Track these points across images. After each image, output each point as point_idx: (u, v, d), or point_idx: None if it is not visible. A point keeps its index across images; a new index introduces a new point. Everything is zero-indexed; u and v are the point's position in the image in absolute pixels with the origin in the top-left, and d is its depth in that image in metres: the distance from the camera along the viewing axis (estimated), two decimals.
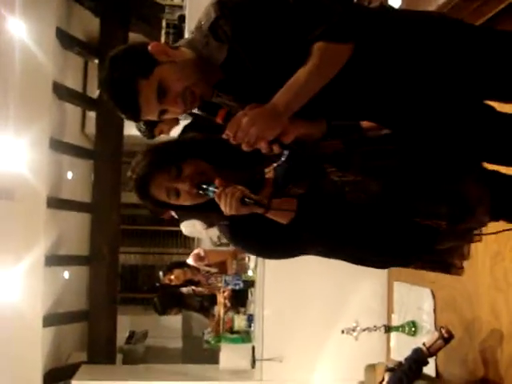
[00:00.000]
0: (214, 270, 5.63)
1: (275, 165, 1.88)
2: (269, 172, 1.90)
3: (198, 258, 5.56)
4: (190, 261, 5.61)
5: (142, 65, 1.69)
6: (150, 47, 1.72)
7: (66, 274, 6.96)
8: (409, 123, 1.87)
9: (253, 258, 5.31)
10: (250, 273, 5.35)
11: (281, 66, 1.70)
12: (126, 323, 8.49)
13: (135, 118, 1.76)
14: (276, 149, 1.68)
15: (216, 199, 1.74)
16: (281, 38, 1.67)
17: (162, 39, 6.90)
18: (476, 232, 1.92)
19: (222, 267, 5.65)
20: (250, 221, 1.77)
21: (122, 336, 7.85)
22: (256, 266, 5.19)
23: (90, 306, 7.03)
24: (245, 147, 1.63)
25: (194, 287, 5.63)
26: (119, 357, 7.44)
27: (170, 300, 5.65)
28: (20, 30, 5.61)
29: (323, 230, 1.77)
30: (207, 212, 1.88)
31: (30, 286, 5.71)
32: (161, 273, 5.76)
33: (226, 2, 1.65)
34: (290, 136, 1.70)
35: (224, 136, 1.64)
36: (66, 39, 6.55)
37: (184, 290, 5.70)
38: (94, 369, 6.28)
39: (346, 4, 1.71)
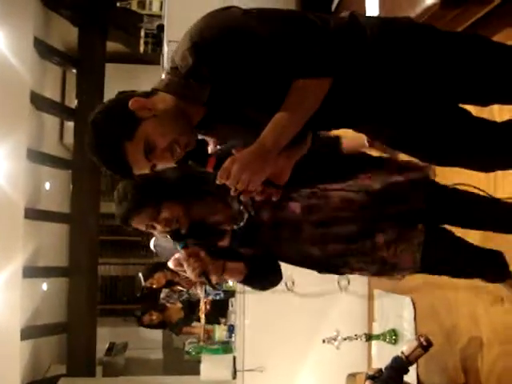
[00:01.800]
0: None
1: (235, 227, 2.13)
2: (228, 232, 2.17)
3: (178, 263, 5.49)
4: (170, 265, 5.54)
5: (125, 127, 1.64)
6: (130, 105, 1.64)
7: (45, 286, 6.89)
8: (388, 128, 1.91)
9: None
10: (230, 283, 5.31)
11: (263, 99, 1.70)
12: (105, 335, 8.40)
13: (129, 176, 1.74)
14: (274, 194, 1.76)
15: (182, 262, 2.12)
16: (259, 72, 1.66)
17: (141, 49, 6.86)
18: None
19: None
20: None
21: (101, 348, 7.78)
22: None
23: (69, 317, 7.00)
24: (243, 196, 1.70)
25: (172, 288, 5.56)
26: (99, 369, 7.36)
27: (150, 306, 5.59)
28: None
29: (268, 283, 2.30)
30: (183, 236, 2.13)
31: (8, 298, 5.67)
32: (140, 275, 5.65)
33: (199, 45, 1.61)
34: (285, 176, 1.80)
35: (217, 182, 1.65)
36: (43, 49, 6.51)
37: (162, 294, 5.64)
38: (74, 382, 6.21)
39: (319, 37, 1.68)
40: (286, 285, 4.65)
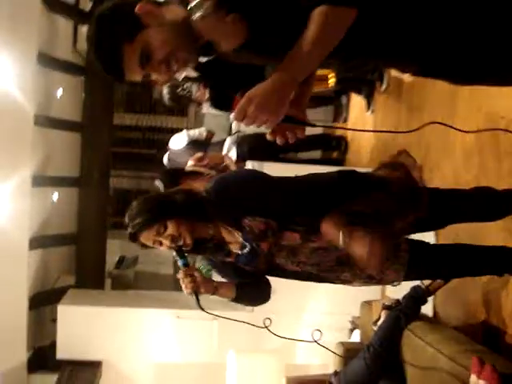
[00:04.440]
0: (213, 172, 5.33)
1: (239, 252, 2.36)
2: (234, 250, 2.39)
3: (198, 160, 5.30)
4: (190, 164, 5.31)
5: (127, 28, 1.67)
6: (136, 9, 1.67)
7: (55, 196, 6.75)
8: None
9: None
10: None
11: (282, 30, 1.66)
12: (116, 248, 8.36)
13: (119, 80, 1.78)
14: (299, 131, 1.78)
15: (179, 276, 2.38)
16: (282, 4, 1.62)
17: None
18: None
19: (223, 171, 5.31)
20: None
21: (111, 261, 7.74)
22: None
23: (79, 229, 6.92)
24: (270, 136, 1.75)
25: None
26: (108, 282, 7.35)
27: None
28: None
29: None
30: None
31: (17, 206, 5.53)
32: (159, 183, 5.36)
33: None
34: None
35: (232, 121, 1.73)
36: None
37: None
38: (82, 293, 6.15)
39: None
40: None
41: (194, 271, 2.37)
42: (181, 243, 2.29)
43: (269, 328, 2.41)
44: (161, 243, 2.29)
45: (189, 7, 1.64)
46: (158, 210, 2.27)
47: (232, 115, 1.66)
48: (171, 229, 2.26)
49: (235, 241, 2.34)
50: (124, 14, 1.68)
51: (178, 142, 5.86)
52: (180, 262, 2.35)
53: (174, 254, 2.34)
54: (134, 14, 1.67)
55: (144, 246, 2.37)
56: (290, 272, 2.43)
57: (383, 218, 2.22)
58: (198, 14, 1.61)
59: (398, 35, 1.70)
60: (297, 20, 1.60)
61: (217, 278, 2.67)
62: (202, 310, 2.38)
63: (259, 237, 2.27)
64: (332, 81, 5.42)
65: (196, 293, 2.37)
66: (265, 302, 2.69)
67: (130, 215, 2.33)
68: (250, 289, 2.57)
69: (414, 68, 1.94)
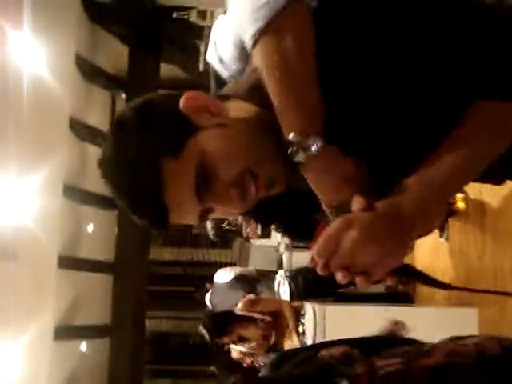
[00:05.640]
0: (268, 318, 4.63)
1: None
2: None
3: (250, 303, 4.60)
4: (239, 308, 4.60)
5: (169, 135, 1.05)
6: (182, 104, 1.07)
7: (83, 348, 6.25)
8: None
9: (310, 318, 4.32)
10: (308, 341, 4.32)
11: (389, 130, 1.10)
12: None
13: (160, 226, 1.11)
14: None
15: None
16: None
17: (200, 66, 6.02)
18: None
19: (277, 316, 4.65)
20: None
21: None
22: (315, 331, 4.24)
23: None
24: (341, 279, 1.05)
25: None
26: None
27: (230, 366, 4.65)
28: (32, 53, 4.96)
29: None
30: None
31: (34, 364, 4.97)
32: (203, 330, 4.67)
33: None
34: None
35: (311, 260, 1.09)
36: (87, 68, 5.94)
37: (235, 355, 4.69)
38: None
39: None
40: None
41: None
42: None
43: None
44: None
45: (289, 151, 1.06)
46: None
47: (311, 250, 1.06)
48: None
49: None
50: (160, 114, 1.07)
51: (223, 277, 5.28)
52: None
53: None
54: (177, 112, 1.06)
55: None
56: None
57: None
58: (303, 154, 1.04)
59: None
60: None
61: None
62: None
63: (344, 363, 1.58)
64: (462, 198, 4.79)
65: None
66: None
67: None
68: None
69: None
